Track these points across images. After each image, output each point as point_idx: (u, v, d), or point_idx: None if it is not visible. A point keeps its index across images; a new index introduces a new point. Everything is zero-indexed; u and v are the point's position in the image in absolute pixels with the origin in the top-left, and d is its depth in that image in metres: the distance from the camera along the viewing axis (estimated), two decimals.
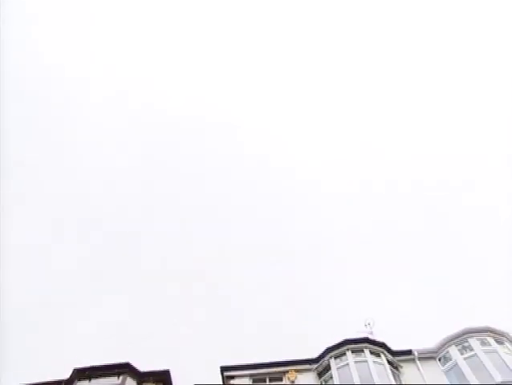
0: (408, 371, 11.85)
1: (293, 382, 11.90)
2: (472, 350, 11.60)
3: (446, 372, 11.65)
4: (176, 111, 41.40)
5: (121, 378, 11.88)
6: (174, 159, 41.81)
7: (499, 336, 11.92)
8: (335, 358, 11.98)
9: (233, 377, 12.34)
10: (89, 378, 12.20)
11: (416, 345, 12.49)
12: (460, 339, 12.00)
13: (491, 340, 11.75)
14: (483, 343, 11.72)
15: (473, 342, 11.78)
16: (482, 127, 34.70)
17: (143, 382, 12.08)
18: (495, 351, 11.38)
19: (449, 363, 11.70)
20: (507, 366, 10.87)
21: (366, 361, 11.57)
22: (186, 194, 43.27)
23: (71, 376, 12.19)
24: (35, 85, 35.23)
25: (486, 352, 11.38)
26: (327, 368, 11.94)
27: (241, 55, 39.96)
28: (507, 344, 11.78)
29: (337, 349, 12.07)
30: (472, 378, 10.83)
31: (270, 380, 12.27)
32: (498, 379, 10.45)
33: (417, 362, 12.00)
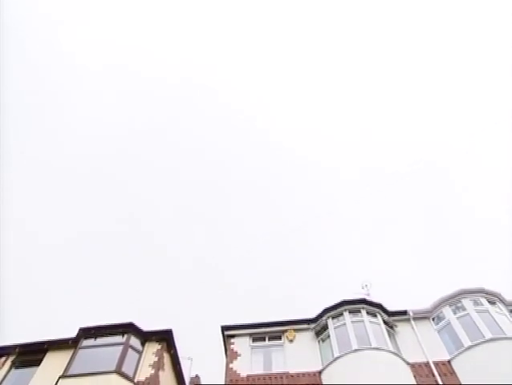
0: (403, 330, 12.23)
1: (291, 340, 12.28)
2: (464, 309, 11.97)
3: (439, 331, 12.05)
4: (174, 82, 41.10)
5: (125, 336, 12.30)
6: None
7: (491, 296, 12.26)
8: (333, 318, 12.33)
9: (233, 336, 12.71)
10: (95, 336, 12.65)
11: (412, 306, 12.83)
12: (454, 300, 12.34)
13: (483, 300, 12.11)
14: (476, 303, 12.08)
15: (466, 302, 12.13)
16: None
17: (146, 340, 12.51)
18: (487, 311, 11.75)
19: (442, 322, 12.09)
20: (497, 324, 11.26)
21: (362, 321, 11.93)
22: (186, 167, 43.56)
23: (77, 335, 12.63)
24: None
25: (478, 311, 11.75)
26: (325, 327, 12.28)
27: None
28: (499, 304, 12.14)
29: (335, 309, 12.39)
30: (463, 336, 11.25)
31: (269, 339, 12.62)
32: (488, 336, 10.86)
33: (412, 321, 12.34)
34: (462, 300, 12.24)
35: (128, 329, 12.43)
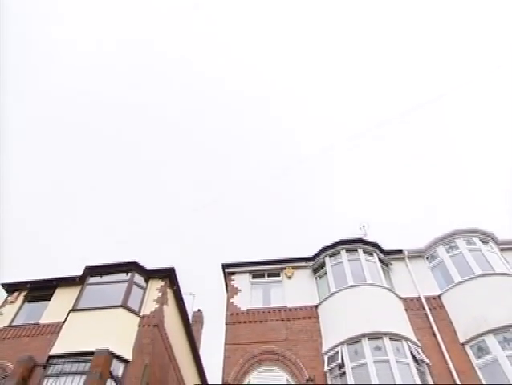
0: (398, 268, 12.65)
1: (290, 277, 12.73)
2: (457, 248, 12.31)
3: (432, 268, 12.47)
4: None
5: (130, 274, 12.74)
6: None
7: (484, 236, 12.57)
8: (330, 256, 12.69)
9: (233, 273, 13.12)
10: (100, 274, 13.12)
11: (407, 246, 13.19)
12: (448, 239, 12.65)
13: (476, 240, 12.44)
14: (469, 243, 12.41)
15: (460, 242, 12.46)
16: None
17: (150, 278, 12.98)
18: (479, 250, 12.10)
19: (436, 261, 12.49)
20: (487, 261, 11.65)
21: (359, 259, 12.30)
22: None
23: (83, 272, 13.10)
24: None
25: (471, 250, 12.10)
26: (322, 265, 12.68)
27: None
28: (491, 243, 12.48)
29: (332, 248, 12.72)
30: (454, 273, 11.69)
31: (269, 276, 13.04)
32: (478, 272, 11.30)
33: (406, 260, 12.71)
34: (456, 240, 12.55)
35: (131, 267, 12.86)
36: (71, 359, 9.16)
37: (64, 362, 9.13)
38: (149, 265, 13.16)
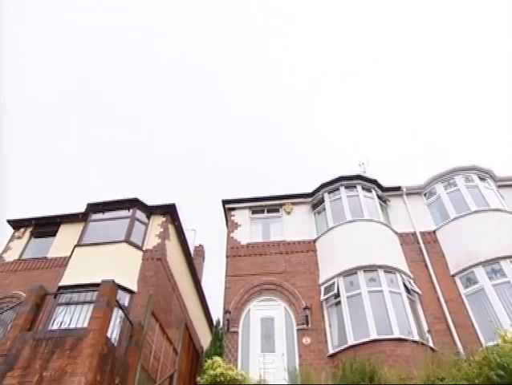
0: (395, 205, 12.82)
1: (289, 213, 12.93)
2: (456, 185, 12.41)
3: (429, 205, 12.64)
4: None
5: (131, 211, 12.93)
6: None
7: (483, 173, 12.61)
8: (329, 192, 12.82)
9: (233, 209, 13.32)
10: (102, 211, 13.31)
11: (406, 183, 13.27)
12: (446, 177, 12.70)
13: (475, 177, 12.49)
14: (467, 180, 12.47)
15: (458, 179, 12.52)
16: None
17: (151, 214, 13.19)
18: (476, 187, 12.19)
19: (433, 197, 12.63)
20: (484, 198, 11.80)
21: (357, 195, 12.44)
22: None
23: (86, 209, 13.30)
24: None
25: (468, 187, 12.21)
26: (321, 201, 12.84)
27: None
28: (489, 180, 12.55)
29: (331, 184, 12.82)
30: (450, 209, 11.88)
31: (268, 211, 13.25)
32: (473, 208, 11.50)
33: (404, 196, 12.84)
34: (455, 177, 12.60)
35: (133, 203, 13.02)
36: (79, 290, 9.59)
37: (73, 292, 9.58)
38: (151, 202, 13.34)
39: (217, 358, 7.06)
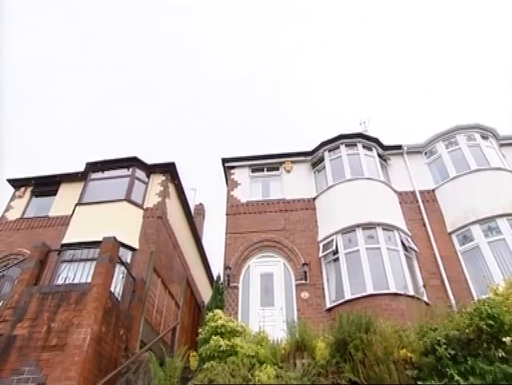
0: (396, 164, 12.79)
1: (288, 171, 12.90)
2: (457, 144, 12.30)
3: (429, 164, 12.60)
4: None
5: (131, 169, 12.89)
6: None
7: (485, 132, 12.46)
8: (329, 151, 12.72)
9: (233, 167, 13.28)
10: (102, 170, 13.27)
11: (407, 142, 13.15)
12: (448, 135, 12.58)
13: (477, 135, 12.36)
14: (469, 139, 12.35)
15: (460, 137, 12.39)
16: None
17: (151, 173, 13.16)
18: (478, 145, 12.10)
19: (434, 156, 12.57)
20: (485, 157, 11.74)
21: (358, 154, 12.36)
22: None
23: (85, 169, 13.26)
24: None
25: (470, 146, 12.11)
26: (321, 159, 12.78)
27: None
28: (491, 139, 12.42)
29: (331, 143, 12.70)
30: (450, 168, 11.86)
31: (268, 170, 13.21)
32: (473, 168, 11.47)
33: (405, 155, 12.79)
34: (456, 135, 12.47)
35: (132, 162, 12.96)
36: (82, 247, 9.74)
37: (75, 249, 9.74)
38: (150, 162, 13.26)
39: (217, 311, 7.29)
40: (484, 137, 12.40)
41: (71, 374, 5.90)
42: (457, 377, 4.80)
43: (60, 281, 8.61)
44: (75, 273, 8.27)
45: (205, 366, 5.82)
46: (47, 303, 6.86)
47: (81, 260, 9.08)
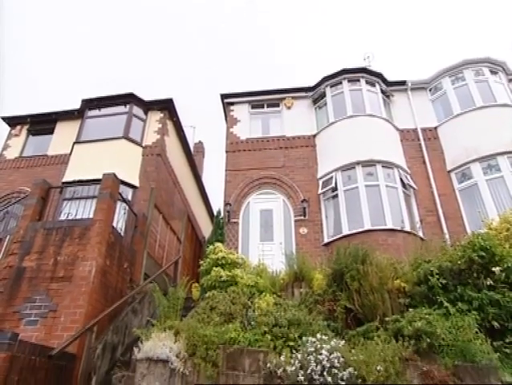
0: (399, 100, 12.44)
1: (289, 108, 12.60)
2: (464, 80, 11.88)
3: (433, 101, 12.26)
4: None
5: (128, 106, 12.59)
6: None
7: (495, 66, 11.98)
8: (331, 86, 12.34)
9: (232, 103, 12.96)
10: (98, 107, 12.97)
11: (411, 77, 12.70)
12: (455, 70, 12.10)
13: (486, 70, 11.89)
14: (477, 74, 11.90)
15: (468, 72, 11.93)
16: None
17: (148, 109, 12.86)
18: (486, 81, 11.68)
19: (439, 93, 12.19)
20: (492, 93, 11.38)
21: (360, 89, 11.98)
22: None
23: (81, 106, 12.95)
24: None
25: (477, 81, 11.69)
26: (322, 95, 12.45)
27: None
28: (500, 74, 11.97)
29: (334, 78, 12.28)
30: (455, 105, 11.55)
31: (268, 106, 12.91)
32: (479, 104, 11.16)
33: (409, 92, 12.41)
34: (464, 70, 12.01)
35: (129, 99, 12.63)
36: (83, 184, 9.78)
37: (76, 186, 9.78)
38: (147, 97, 12.93)
39: (218, 244, 7.50)
40: (493, 72, 11.94)
41: (80, 302, 6.20)
42: (446, 304, 5.04)
43: (63, 217, 8.77)
44: (77, 210, 8.40)
45: (207, 294, 6.09)
46: (52, 238, 7.03)
47: (82, 198, 9.17)
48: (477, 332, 4.51)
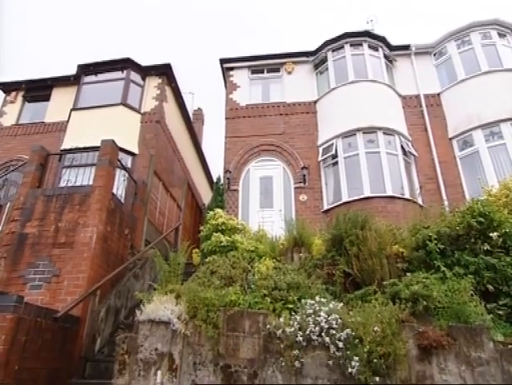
0: (402, 65, 12.16)
1: (290, 73, 12.34)
2: (470, 44, 11.56)
3: (437, 66, 11.98)
4: None
5: (125, 72, 12.30)
6: None
7: (504, 28, 11.61)
8: (333, 50, 12.04)
9: (232, 68, 12.67)
10: (95, 73, 12.67)
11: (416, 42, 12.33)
12: (462, 34, 11.75)
13: (494, 33, 11.54)
14: (484, 37, 11.55)
15: (475, 35, 11.59)
16: None
17: (146, 75, 12.56)
18: (493, 44, 11.36)
19: (443, 58, 11.89)
20: (499, 57, 11.09)
21: (363, 54, 11.68)
22: None
23: (77, 71, 12.66)
24: None
25: (484, 45, 11.37)
26: (324, 60, 12.16)
27: None
28: (509, 37, 11.61)
29: (335, 42, 11.95)
30: (460, 70, 11.29)
31: (268, 71, 12.64)
32: (484, 69, 10.89)
33: (412, 56, 12.10)
34: (471, 34, 11.66)
35: (126, 64, 12.31)
36: (81, 151, 9.71)
37: (75, 153, 9.71)
38: (145, 62, 12.62)
39: (218, 210, 7.53)
40: (501, 35, 11.59)
41: (82, 268, 6.31)
42: (443, 268, 5.11)
43: (63, 184, 8.76)
44: (77, 176, 8.38)
45: (207, 259, 6.18)
46: (52, 205, 7.06)
47: (81, 165, 9.14)
48: (472, 295, 4.59)
